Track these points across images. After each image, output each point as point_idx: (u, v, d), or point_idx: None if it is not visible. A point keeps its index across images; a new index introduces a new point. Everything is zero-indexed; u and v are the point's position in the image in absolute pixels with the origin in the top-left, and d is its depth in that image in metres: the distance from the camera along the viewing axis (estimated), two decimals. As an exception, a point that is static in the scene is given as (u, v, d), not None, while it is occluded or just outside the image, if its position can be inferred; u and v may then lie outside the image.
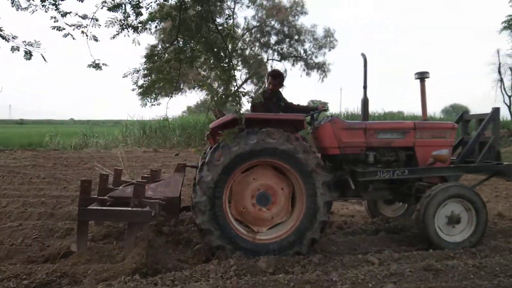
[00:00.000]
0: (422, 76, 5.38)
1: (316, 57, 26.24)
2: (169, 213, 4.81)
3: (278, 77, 5.60)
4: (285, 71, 27.18)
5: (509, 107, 18.47)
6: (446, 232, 4.60)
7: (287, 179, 4.42)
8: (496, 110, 5.49)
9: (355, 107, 28.80)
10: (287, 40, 25.69)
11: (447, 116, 42.03)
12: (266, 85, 5.55)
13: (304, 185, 4.27)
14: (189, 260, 4.28)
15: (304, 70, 26.59)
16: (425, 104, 5.45)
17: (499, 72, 18.17)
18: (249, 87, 25.67)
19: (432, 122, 5.71)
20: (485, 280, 3.59)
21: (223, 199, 4.17)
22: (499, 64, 18.10)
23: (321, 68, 26.28)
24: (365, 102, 5.38)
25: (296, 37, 25.44)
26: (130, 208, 4.18)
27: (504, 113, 34.22)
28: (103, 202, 4.44)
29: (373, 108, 33.70)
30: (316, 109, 5.51)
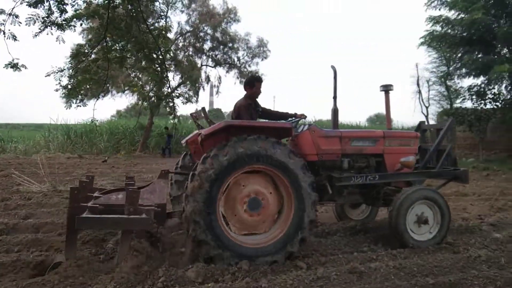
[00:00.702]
0: (386, 89, 5.73)
1: (249, 65, 26.55)
2: (157, 220, 4.62)
3: (261, 82, 5.55)
4: (219, 77, 27.21)
5: (426, 117, 19.94)
6: (415, 231, 4.94)
7: (274, 183, 4.49)
8: (452, 121, 6.04)
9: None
10: (221, 47, 25.72)
11: (371, 124, 44.54)
12: (253, 90, 5.44)
13: (292, 190, 4.34)
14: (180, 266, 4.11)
15: (238, 78, 26.76)
16: (389, 114, 5.85)
17: (418, 84, 19.60)
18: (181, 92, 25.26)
19: (399, 131, 6.14)
20: (404, 281, 3.79)
21: (217, 207, 4.13)
22: (418, 77, 19.52)
23: (254, 76, 26.63)
24: (335, 112, 5.63)
25: (230, 44, 25.56)
26: (128, 216, 3.99)
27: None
28: (94, 210, 4.18)
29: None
30: (294, 116, 5.62)
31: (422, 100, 19.85)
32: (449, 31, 17.21)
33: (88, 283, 3.59)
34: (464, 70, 17.81)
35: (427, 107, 19.71)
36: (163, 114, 23.95)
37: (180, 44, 25.08)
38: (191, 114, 5.64)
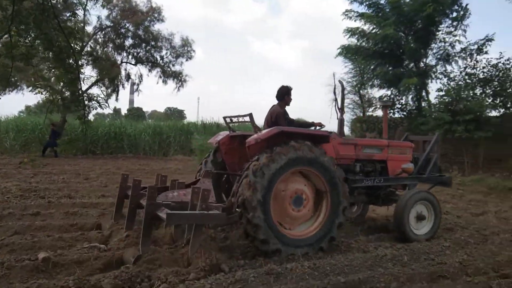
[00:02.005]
0: (384, 104, 7.12)
1: (173, 65, 26.02)
2: None
3: (291, 91, 5.98)
4: (141, 76, 26.32)
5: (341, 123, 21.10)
6: (415, 227, 5.84)
7: (312, 184, 5.15)
8: (438, 135, 7.15)
9: (211, 117, 29.57)
10: (143, 44, 24.87)
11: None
12: (285, 100, 5.94)
13: (330, 189, 5.03)
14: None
15: (160, 77, 26.09)
16: (386, 126, 7.11)
17: (334, 93, 20.63)
18: (96, 90, 24.01)
19: (398, 141, 6.99)
20: (318, 280, 3.96)
21: (270, 201, 4.66)
22: (334, 85, 20.58)
23: (178, 77, 26.15)
24: (341, 121, 6.51)
25: (152, 43, 24.82)
26: (208, 212, 4.38)
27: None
28: (169, 207, 4.55)
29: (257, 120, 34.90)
30: (312, 125, 6.05)
31: (338, 107, 20.99)
32: (364, 43, 18.41)
33: (165, 275, 3.84)
34: (376, 81, 19.20)
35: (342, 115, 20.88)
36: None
37: (100, 40, 23.85)
38: (224, 117, 6.04)
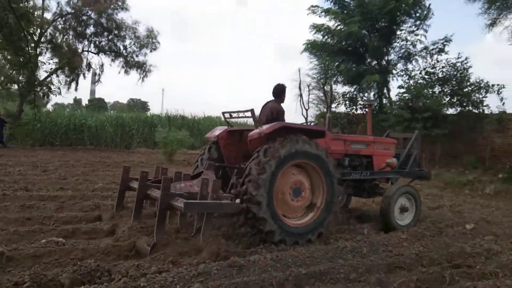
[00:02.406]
0: (369, 103, 8.10)
1: (137, 56, 25.37)
2: None
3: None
4: (103, 65, 25.53)
5: (306, 118, 21.37)
6: (398, 217, 6.33)
7: (308, 176, 5.43)
8: (418, 133, 7.66)
9: (176, 109, 29.18)
10: (105, 33, 24.09)
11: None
12: (282, 98, 6.23)
13: (325, 181, 5.36)
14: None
15: (123, 67, 25.38)
16: (370, 123, 7.73)
17: (299, 88, 20.85)
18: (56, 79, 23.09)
19: (382, 138, 7.32)
20: (280, 272, 4.01)
21: (273, 192, 4.90)
22: (300, 81, 20.77)
23: (142, 67, 25.55)
24: (329, 118, 6.92)
25: (115, 32, 24.08)
26: (222, 202, 4.75)
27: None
28: (183, 198, 4.75)
29: (195, 112, 34.54)
30: (306, 121, 6.87)
31: (303, 103, 21.28)
32: (329, 40, 18.68)
33: (125, 269, 3.87)
34: (340, 78, 19.54)
35: (307, 110, 21.21)
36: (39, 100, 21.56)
37: (60, 27, 22.89)
38: (222, 113, 6.21)
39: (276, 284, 3.73)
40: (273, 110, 5.95)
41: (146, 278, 3.63)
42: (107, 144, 22.08)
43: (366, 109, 18.78)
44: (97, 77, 26.72)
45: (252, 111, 5.44)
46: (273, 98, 6.18)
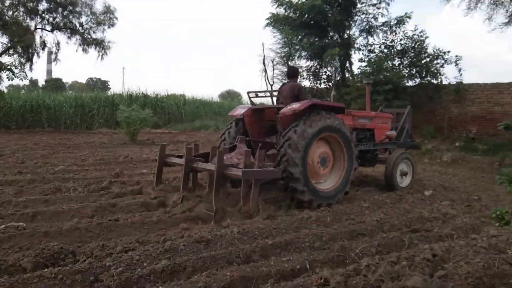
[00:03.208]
0: (367, 82, 8.43)
1: (94, 32, 24.36)
2: None
3: None
4: (58, 44, 24.41)
5: (271, 94, 21.26)
6: (400, 180, 7.36)
7: (331, 148, 6.24)
8: (410, 108, 8.76)
9: (138, 87, 28.36)
10: (60, 9, 22.92)
11: (223, 100, 45.71)
12: (297, 77, 7.13)
13: (346, 152, 6.22)
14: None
15: (80, 45, 24.34)
16: (369, 100, 8.31)
17: (264, 63, 20.70)
18: (9, 59, 21.89)
19: (382, 113, 8.18)
20: (247, 244, 4.07)
21: (307, 160, 5.69)
22: (264, 56, 20.61)
23: (100, 45, 24.60)
24: (334, 96, 7.40)
25: (70, 7, 22.96)
26: (273, 169, 5.42)
27: (268, 100, 39.32)
28: (233, 167, 5.39)
29: (158, 90, 33.83)
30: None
31: (268, 78, 21.18)
32: (291, 14, 18.55)
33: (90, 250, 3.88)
34: (303, 52, 19.54)
35: (271, 85, 21.08)
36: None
37: (7, 2, 21.57)
38: (247, 92, 6.91)
39: (243, 256, 3.79)
40: (294, 89, 6.62)
41: (112, 257, 3.59)
42: (66, 125, 21.31)
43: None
44: (53, 56, 25.56)
45: (275, 91, 6.62)
46: (288, 80, 6.97)
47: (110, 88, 57.55)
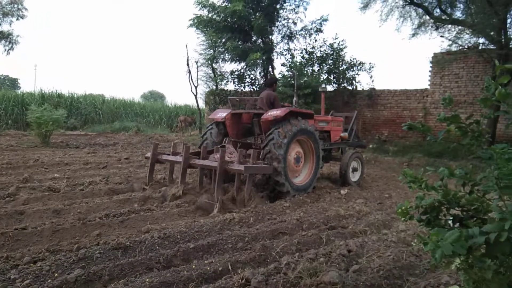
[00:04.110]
0: (323, 90, 9.50)
1: (-1, 24, 22.31)
2: None
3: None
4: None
5: (195, 96, 21.08)
6: (351, 176, 8.43)
7: (303, 148, 7.34)
8: (357, 112, 10.04)
9: (52, 86, 26.48)
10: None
11: (145, 101, 44.30)
12: (274, 87, 8.28)
13: (315, 151, 7.37)
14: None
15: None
16: (324, 106, 9.34)
17: (188, 64, 20.39)
18: None
19: (335, 117, 9.24)
20: (168, 249, 3.97)
21: (287, 157, 6.72)
22: (188, 57, 20.31)
23: (7, 38, 22.58)
24: (296, 102, 8.53)
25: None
26: (265, 165, 6.39)
27: (192, 102, 38.87)
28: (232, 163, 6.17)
29: (76, 90, 31.81)
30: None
31: (192, 79, 20.90)
32: (215, 16, 18.54)
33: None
34: (227, 55, 19.62)
35: (196, 87, 20.87)
36: None
37: None
38: (229, 98, 7.99)
39: (164, 261, 3.69)
40: (270, 97, 7.64)
41: (18, 269, 3.31)
42: (-33, 127, 19.26)
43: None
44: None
45: (257, 99, 7.77)
46: (266, 88, 8.07)
47: (20, 87, 53.14)
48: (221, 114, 7.66)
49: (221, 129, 7.71)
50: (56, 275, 3.28)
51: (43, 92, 24.02)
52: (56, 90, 23.94)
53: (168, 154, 7.17)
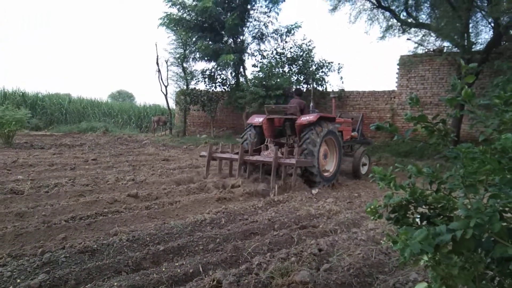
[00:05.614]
0: (334, 95, 10.63)
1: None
2: None
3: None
4: None
5: (165, 95, 20.79)
6: (361, 170, 10.02)
7: (328, 147, 8.89)
8: (362, 114, 11.86)
9: (16, 85, 25.47)
10: None
11: (113, 101, 43.37)
12: (302, 96, 9.96)
13: (338, 149, 8.95)
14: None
15: None
16: (335, 109, 10.69)
17: (157, 63, 20.07)
18: None
19: (346, 119, 10.61)
20: (137, 252, 3.89)
21: (319, 153, 8.25)
22: (157, 56, 20.00)
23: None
24: (335, 99, 10.65)
25: None
26: (308, 159, 8.01)
27: (162, 102, 38.23)
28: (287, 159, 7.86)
29: (41, 89, 30.73)
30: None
31: (162, 79, 20.59)
32: (185, 15, 18.35)
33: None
34: (198, 55, 19.45)
35: (166, 86, 20.56)
36: None
37: None
38: (265, 105, 9.83)
39: (133, 264, 3.61)
40: (300, 104, 9.13)
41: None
42: None
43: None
44: None
45: (291, 107, 8.93)
46: (296, 96, 9.56)
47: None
48: (258, 119, 9.07)
49: (258, 131, 9.16)
50: (18, 281, 3.16)
51: (5, 90, 23.12)
52: (19, 89, 23.03)
53: (225, 152, 8.85)
